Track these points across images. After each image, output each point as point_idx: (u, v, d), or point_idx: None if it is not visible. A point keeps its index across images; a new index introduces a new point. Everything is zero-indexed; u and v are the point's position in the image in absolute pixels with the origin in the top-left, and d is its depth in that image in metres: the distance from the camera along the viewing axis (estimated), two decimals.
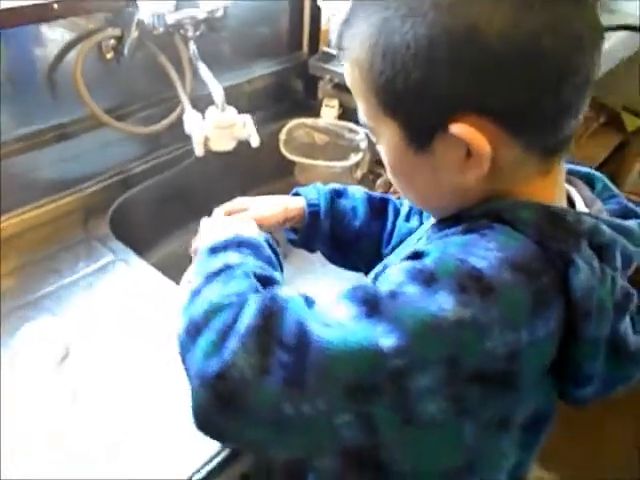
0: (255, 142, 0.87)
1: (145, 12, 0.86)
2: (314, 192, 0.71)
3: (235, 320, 0.42)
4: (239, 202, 0.69)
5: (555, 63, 0.39)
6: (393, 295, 0.39)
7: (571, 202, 0.50)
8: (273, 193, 0.72)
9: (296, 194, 0.73)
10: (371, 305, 0.40)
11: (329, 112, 1.16)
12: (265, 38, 1.21)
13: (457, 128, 0.40)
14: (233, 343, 0.40)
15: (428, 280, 0.39)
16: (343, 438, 0.40)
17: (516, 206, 0.43)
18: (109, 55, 0.92)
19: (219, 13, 0.94)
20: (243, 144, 0.91)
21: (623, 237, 0.44)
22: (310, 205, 0.70)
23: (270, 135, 1.13)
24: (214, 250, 0.52)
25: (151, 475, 0.55)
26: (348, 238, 0.71)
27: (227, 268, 0.48)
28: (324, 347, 0.38)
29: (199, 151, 0.85)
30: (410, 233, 0.65)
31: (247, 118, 0.88)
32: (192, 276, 0.50)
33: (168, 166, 1.02)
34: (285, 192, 0.73)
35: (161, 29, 0.88)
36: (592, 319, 0.40)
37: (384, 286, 0.41)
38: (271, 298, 0.43)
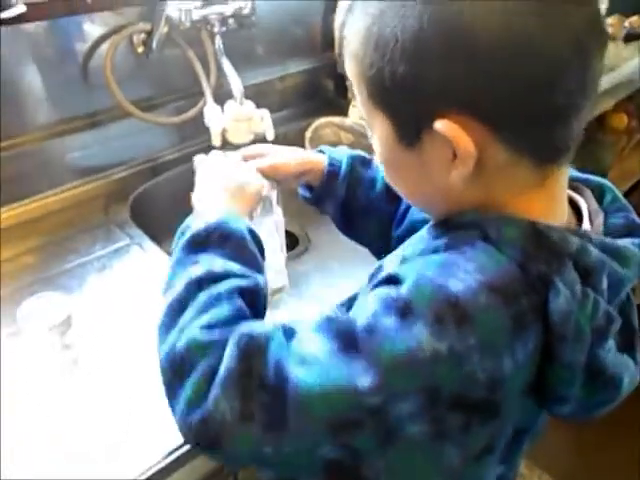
0: (270, 136, 0.89)
1: (173, 7, 0.89)
2: (338, 153, 0.70)
3: (218, 363, 0.42)
4: (258, 148, 0.69)
5: (547, 64, 0.37)
6: (369, 330, 0.39)
7: (578, 211, 0.48)
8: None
9: (320, 151, 0.72)
10: (346, 339, 0.40)
11: (356, 112, 1.16)
12: (298, 37, 1.23)
13: (441, 125, 0.39)
14: (216, 389, 0.41)
15: (404, 311, 0.38)
16: (325, 460, 0.41)
17: (501, 221, 0.41)
18: (140, 49, 0.97)
19: (246, 10, 0.96)
20: (268, 141, 0.93)
21: (613, 259, 0.42)
22: (331, 164, 0.69)
23: (299, 132, 1.15)
24: (195, 243, 0.51)
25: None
26: (359, 208, 0.70)
27: (209, 280, 0.47)
28: (302, 388, 0.39)
29: (216, 141, 0.88)
30: (424, 221, 0.64)
31: (264, 112, 0.89)
32: (171, 273, 0.50)
33: (192, 158, 1.05)
34: None
35: (188, 24, 0.91)
36: (568, 343, 0.39)
37: (360, 317, 0.40)
38: (250, 337, 0.42)
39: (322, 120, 1.16)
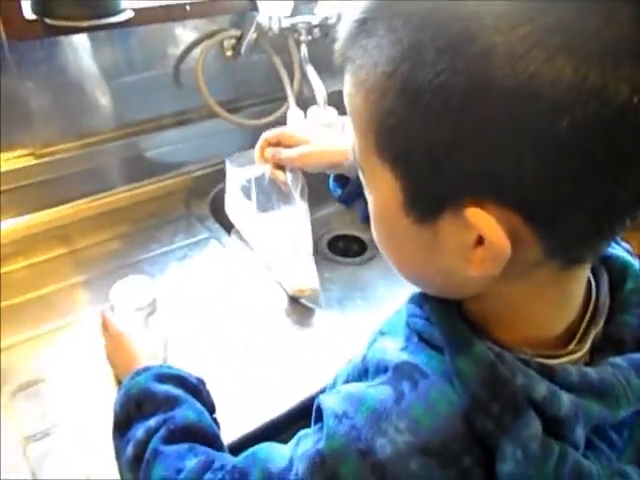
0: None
1: (264, 15, 0.93)
2: None
3: None
4: (294, 129, 0.67)
5: (633, 145, 0.28)
6: None
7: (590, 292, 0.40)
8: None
9: None
10: None
11: None
12: None
13: (476, 216, 0.30)
14: None
15: (330, 479, 0.35)
16: None
17: (462, 350, 0.35)
18: (229, 53, 1.02)
19: (332, 20, 0.99)
20: None
21: (596, 400, 0.34)
22: None
23: None
24: (121, 427, 0.51)
25: None
26: None
27: (140, 453, 0.48)
28: None
29: None
30: None
31: (346, 120, 0.91)
32: (118, 463, 0.51)
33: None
34: None
35: (276, 31, 0.95)
36: None
37: None
38: None
39: None
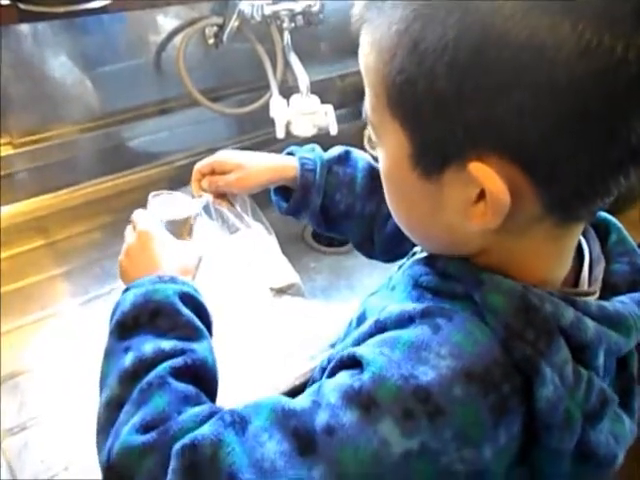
0: (333, 131, 0.90)
1: (246, 2, 0.92)
2: (311, 161, 0.65)
3: (160, 471, 0.37)
4: (224, 156, 0.67)
5: (626, 100, 0.30)
6: (329, 431, 0.34)
7: (580, 250, 0.43)
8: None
9: (290, 153, 0.68)
10: (304, 441, 0.34)
11: None
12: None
13: (478, 170, 0.32)
14: None
15: (367, 405, 0.33)
16: None
17: (490, 287, 0.36)
18: (210, 41, 1.00)
19: (315, 7, 0.98)
20: (330, 137, 0.95)
21: (613, 329, 0.37)
22: (303, 171, 0.64)
23: (358, 130, 1.17)
24: (125, 327, 0.46)
25: None
26: (338, 214, 0.66)
27: (142, 368, 0.43)
28: None
29: (280, 133, 0.90)
30: None
31: (328, 108, 0.91)
32: (104, 366, 0.46)
33: (254, 149, 1.08)
34: None
35: (259, 19, 0.94)
36: (556, 431, 0.35)
37: (319, 414, 0.35)
38: (194, 448, 0.36)
39: None
